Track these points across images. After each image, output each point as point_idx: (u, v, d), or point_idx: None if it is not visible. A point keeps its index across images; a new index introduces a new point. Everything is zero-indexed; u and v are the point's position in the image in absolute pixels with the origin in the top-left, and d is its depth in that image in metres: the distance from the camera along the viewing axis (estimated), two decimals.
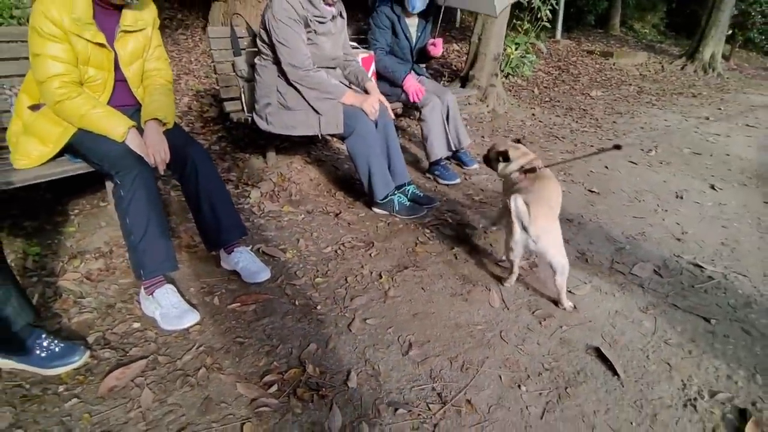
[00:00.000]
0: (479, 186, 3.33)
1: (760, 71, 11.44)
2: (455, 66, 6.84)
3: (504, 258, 2.19)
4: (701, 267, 2.35)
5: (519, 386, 1.57)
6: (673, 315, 1.97)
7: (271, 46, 2.56)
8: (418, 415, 1.44)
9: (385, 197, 2.74)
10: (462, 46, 7.93)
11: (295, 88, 2.61)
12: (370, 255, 2.35)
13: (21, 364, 1.53)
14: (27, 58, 2.00)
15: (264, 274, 2.08)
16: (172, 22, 6.18)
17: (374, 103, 2.65)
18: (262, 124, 2.79)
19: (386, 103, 2.80)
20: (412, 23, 3.45)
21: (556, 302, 1.98)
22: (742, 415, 1.49)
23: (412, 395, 1.52)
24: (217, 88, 3.23)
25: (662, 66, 9.76)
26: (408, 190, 2.82)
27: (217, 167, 2.52)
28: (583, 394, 1.55)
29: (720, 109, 6.56)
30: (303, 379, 1.56)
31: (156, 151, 1.87)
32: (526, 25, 6.10)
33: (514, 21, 6.22)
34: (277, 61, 2.59)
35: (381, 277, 2.16)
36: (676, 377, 1.64)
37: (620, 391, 1.57)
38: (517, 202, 1.80)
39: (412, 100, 3.29)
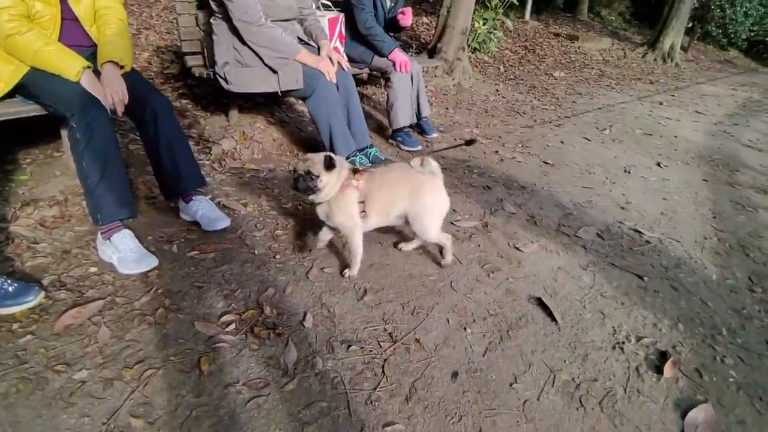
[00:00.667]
0: (440, 154, 3.40)
1: (715, 64, 11.97)
2: (424, 39, 6.84)
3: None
4: (640, 232, 2.52)
5: (465, 329, 1.68)
6: (610, 272, 2.13)
7: (220, 2, 2.50)
8: (370, 351, 1.53)
9: (347, 158, 2.78)
10: (431, 20, 7.91)
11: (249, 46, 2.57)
12: None
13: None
14: None
15: (223, 222, 2.10)
16: None
17: (328, 65, 2.65)
18: (223, 84, 2.74)
19: (338, 57, 2.79)
20: None
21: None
22: (663, 356, 1.65)
23: (364, 335, 1.60)
24: (179, 44, 3.16)
25: (624, 53, 10.05)
26: (369, 153, 2.87)
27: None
28: (522, 336, 1.67)
29: (674, 96, 6.86)
30: (260, 319, 1.62)
31: (114, 91, 1.84)
32: (495, 1, 6.15)
33: None
34: (229, 18, 2.53)
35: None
36: (608, 324, 1.79)
37: (557, 335, 1.70)
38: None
39: (399, 70, 3.30)
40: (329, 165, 1.73)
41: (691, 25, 10.65)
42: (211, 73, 2.85)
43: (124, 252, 1.80)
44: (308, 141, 3.29)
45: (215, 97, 3.46)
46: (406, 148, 3.39)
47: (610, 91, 6.57)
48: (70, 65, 1.82)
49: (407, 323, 1.67)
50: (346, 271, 1.89)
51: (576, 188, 3.03)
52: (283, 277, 1.86)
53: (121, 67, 1.98)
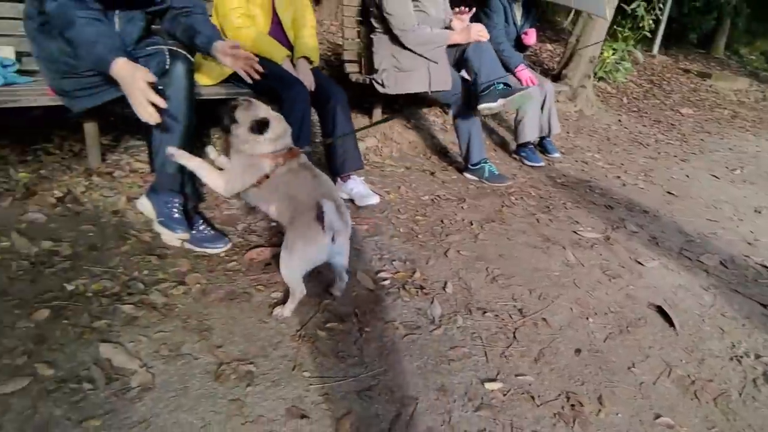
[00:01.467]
0: (562, 172, 3.58)
1: None
2: (547, 65, 6.97)
3: None
4: None
5: (587, 318, 1.88)
6: (732, 297, 2.19)
7: (382, 19, 2.93)
8: (502, 319, 1.79)
9: (477, 163, 3.07)
10: (555, 47, 8.01)
11: (410, 50, 2.96)
12: (462, 207, 2.70)
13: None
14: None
15: (374, 199, 2.51)
16: None
17: (478, 28, 2.94)
18: (379, 88, 3.17)
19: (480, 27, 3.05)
20: (518, 12, 3.73)
21: None
22: None
23: (497, 307, 1.87)
24: (339, 52, 3.68)
25: (764, 95, 9.33)
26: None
27: None
28: (641, 333, 1.83)
29: None
30: (410, 280, 1.95)
31: (307, 81, 2.34)
32: (627, 33, 6.15)
33: (615, 27, 6.27)
34: (388, 30, 2.95)
35: (472, 224, 2.51)
36: (727, 339, 1.88)
37: (675, 338, 1.84)
38: None
39: (525, 84, 3.55)
40: (254, 129, 1.63)
41: None
42: (368, 79, 3.30)
43: (358, 191, 2.46)
44: (439, 147, 3.64)
45: (359, 101, 3.94)
46: (529, 163, 3.60)
47: (744, 133, 6.22)
48: (277, 51, 2.41)
49: (534, 305, 1.91)
50: None
51: (700, 219, 3.05)
52: (425, 253, 2.18)
53: (311, 62, 2.52)
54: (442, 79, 2.99)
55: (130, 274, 1.77)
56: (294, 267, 1.59)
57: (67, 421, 1.21)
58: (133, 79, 1.55)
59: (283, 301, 1.67)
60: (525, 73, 3.56)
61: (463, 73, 3.12)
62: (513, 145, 3.81)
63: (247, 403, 1.31)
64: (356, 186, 2.55)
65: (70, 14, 1.57)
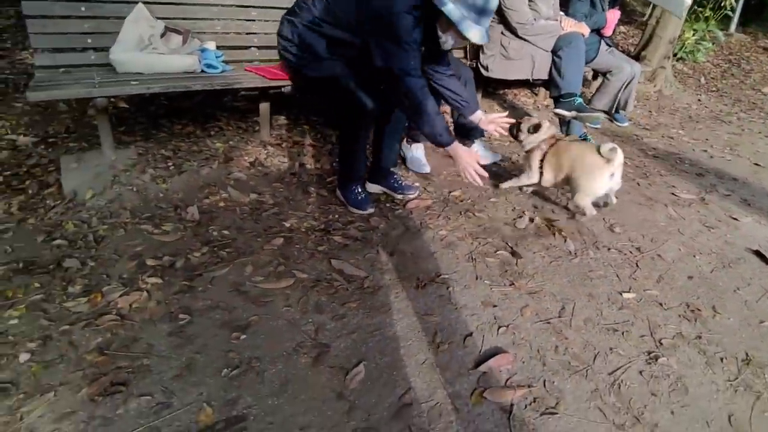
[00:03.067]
0: (651, 145, 3.91)
1: None
2: (621, 47, 7.13)
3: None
4: None
5: (694, 256, 2.29)
6: None
7: (499, 11, 3.36)
8: (625, 254, 2.24)
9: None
10: (628, 29, 8.10)
11: (522, 39, 3.39)
12: None
13: (385, 189, 2.56)
14: None
15: (426, 168, 2.92)
16: None
17: (580, 24, 3.41)
18: (483, 72, 3.62)
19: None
20: None
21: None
22: None
23: (618, 245, 2.31)
24: None
25: None
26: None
27: None
28: (742, 268, 2.23)
29: None
30: (540, 223, 2.42)
31: None
32: (708, 12, 6.24)
33: (696, 7, 6.36)
34: (500, 21, 3.39)
35: None
36: None
37: None
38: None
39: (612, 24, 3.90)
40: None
41: None
42: (474, 63, 3.76)
43: (418, 157, 2.90)
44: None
45: None
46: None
47: None
48: None
49: (648, 245, 2.34)
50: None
51: None
52: (549, 205, 2.64)
53: None
54: (543, 68, 3.41)
55: (327, 217, 2.34)
56: (585, 200, 2.36)
57: (333, 303, 1.78)
58: (470, 158, 2.20)
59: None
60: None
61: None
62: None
63: (451, 300, 1.84)
64: (417, 153, 2.99)
65: (424, 93, 2.06)
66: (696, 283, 2.07)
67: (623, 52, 6.84)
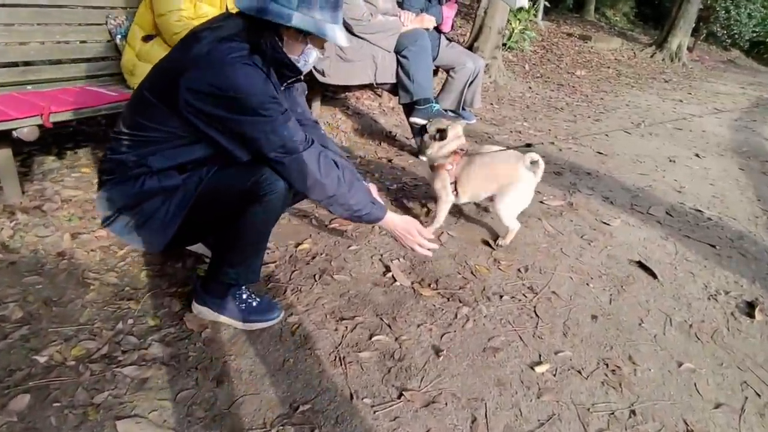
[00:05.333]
0: (504, 144, 3.72)
1: (719, 64, 12.42)
2: (456, 39, 7.16)
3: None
4: (701, 211, 2.86)
5: (587, 284, 2.00)
6: (687, 242, 2.46)
7: None
8: (519, 300, 1.84)
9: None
10: (456, 20, 8.24)
11: (359, 38, 2.87)
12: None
13: (221, 316, 1.58)
14: None
15: None
16: None
17: (429, 18, 3.05)
18: (318, 77, 3.03)
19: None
20: None
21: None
22: (750, 305, 1.98)
23: (509, 288, 1.91)
24: None
25: (634, 53, 10.44)
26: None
27: None
28: (635, 290, 2.00)
29: (690, 93, 7.25)
30: (424, 278, 1.92)
31: None
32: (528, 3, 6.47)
33: None
34: None
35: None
36: (699, 281, 2.12)
37: (661, 289, 2.03)
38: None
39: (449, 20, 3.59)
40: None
41: (695, 25, 11.06)
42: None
43: None
44: (384, 131, 3.60)
45: None
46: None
47: (632, 89, 6.93)
48: None
49: (539, 281, 1.99)
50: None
51: (633, 174, 3.36)
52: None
53: None
54: (388, 71, 2.94)
55: (114, 327, 1.54)
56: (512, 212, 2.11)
57: None
58: (410, 227, 1.67)
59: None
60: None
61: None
62: None
63: None
64: None
65: (326, 164, 1.45)
66: (603, 325, 1.76)
67: (460, 44, 6.88)
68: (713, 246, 2.45)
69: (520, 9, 6.36)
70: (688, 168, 3.67)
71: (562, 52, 8.81)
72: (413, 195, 2.64)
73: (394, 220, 1.65)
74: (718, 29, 12.09)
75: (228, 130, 1.35)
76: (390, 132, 3.63)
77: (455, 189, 2.16)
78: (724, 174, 3.65)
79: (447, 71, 3.84)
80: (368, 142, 3.39)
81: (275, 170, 1.41)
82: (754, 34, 12.94)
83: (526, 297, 1.87)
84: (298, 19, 1.30)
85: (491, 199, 2.17)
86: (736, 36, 12.35)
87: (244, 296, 1.61)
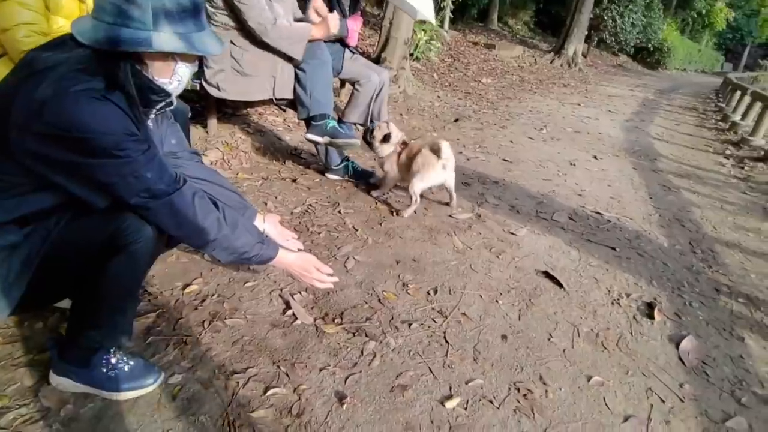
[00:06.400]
0: None
1: (610, 68, 13.53)
2: (362, 49, 7.12)
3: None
4: (600, 214, 2.97)
5: (496, 301, 1.95)
6: (589, 247, 2.52)
7: (228, 11, 2.60)
8: (428, 327, 1.75)
9: (340, 163, 2.97)
10: (364, 30, 8.23)
11: (262, 48, 2.66)
12: (339, 212, 2.57)
13: (86, 387, 1.34)
14: None
15: None
16: None
17: (336, 21, 2.79)
18: (213, 91, 2.81)
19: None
20: (346, 1, 3.66)
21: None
22: (650, 306, 2.04)
23: (418, 314, 1.81)
24: None
25: (535, 59, 11.06)
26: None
27: None
28: (543, 302, 1.98)
29: (586, 97, 7.75)
30: (317, 314, 1.77)
31: None
32: None
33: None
34: (231, 27, 2.63)
35: (356, 229, 2.40)
36: (602, 286, 2.16)
37: (567, 298, 2.03)
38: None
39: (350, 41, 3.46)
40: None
41: (588, 33, 11.96)
42: (197, 84, 2.90)
43: None
44: (290, 148, 3.43)
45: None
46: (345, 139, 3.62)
47: (534, 95, 7.28)
48: None
49: (449, 301, 1.91)
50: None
51: (537, 180, 3.45)
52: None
53: None
54: (288, 86, 2.77)
55: None
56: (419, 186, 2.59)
57: None
58: (304, 264, 1.54)
59: None
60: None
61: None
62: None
63: None
64: None
65: (202, 206, 1.28)
66: (512, 345, 1.71)
67: (363, 54, 6.84)
68: (613, 248, 2.53)
69: (423, 21, 6.45)
70: (587, 171, 3.84)
71: (468, 61, 9.11)
72: (318, 218, 2.48)
73: (288, 258, 1.48)
74: (607, 36, 13.17)
75: (78, 176, 1.13)
76: (295, 149, 3.46)
77: (398, 168, 2.72)
78: (620, 174, 3.86)
79: (352, 84, 3.76)
80: (271, 161, 3.19)
81: (141, 216, 1.20)
82: (638, 41, 14.25)
83: (435, 322, 1.78)
84: (159, 41, 1.10)
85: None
86: (623, 42, 13.53)
87: (113, 360, 1.36)
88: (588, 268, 2.30)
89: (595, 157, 4.24)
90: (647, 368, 1.68)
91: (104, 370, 1.34)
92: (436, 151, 2.55)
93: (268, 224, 1.76)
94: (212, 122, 3.30)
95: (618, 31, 12.70)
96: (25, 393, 1.34)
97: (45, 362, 1.42)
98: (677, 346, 1.82)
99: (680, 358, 1.76)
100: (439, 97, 6.07)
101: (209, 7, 2.68)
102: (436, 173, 2.58)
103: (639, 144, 4.99)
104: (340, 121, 3.72)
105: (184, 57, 1.23)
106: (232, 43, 2.69)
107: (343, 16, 3.59)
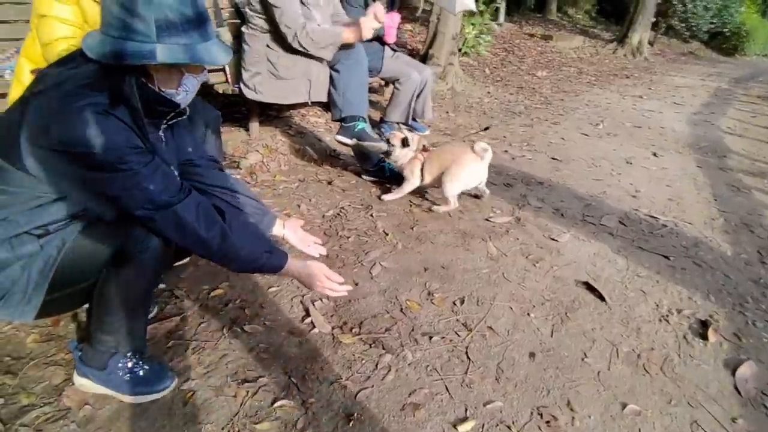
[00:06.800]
0: None
1: (680, 56, 12.55)
2: (410, 46, 7.03)
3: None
4: (656, 218, 2.73)
5: (528, 314, 1.83)
6: (639, 255, 2.31)
7: (264, 13, 2.61)
8: (450, 340, 1.66)
9: (375, 164, 2.92)
10: (413, 27, 8.12)
11: (294, 52, 2.66)
12: (371, 216, 2.52)
13: (99, 386, 1.38)
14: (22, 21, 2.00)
15: None
16: None
17: (369, 23, 2.65)
18: (250, 94, 2.85)
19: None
20: None
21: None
22: (704, 324, 1.84)
23: (441, 326, 1.73)
24: None
25: (596, 50, 10.47)
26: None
27: None
28: (580, 316, 1.83)
29: (651, 89, 7.22)
30: (337, 322, 1.73)
31: None
32: (482, 6, 6.38)
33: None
34: (267, 30, 2.65)
35: (386, 234, 2.34)
36: (650, 300, 1.97)
37: (609, 313, 1.87)
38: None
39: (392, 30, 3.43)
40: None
41: (655, 20, 11.16)
42: (237, 88, 2.95)
43: None
44: (330, 150, 3.42)
45: (231, 112, 3.56)
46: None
47: (592, 88, 6.88)
48: None
49: (476, 313, 1.81)
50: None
51: (588, 181, 3.23)
52: (348, 280, 1.97)
53: None
54: (324, 88, 2.76)
55: None
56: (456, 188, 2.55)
57: None
58: (315, 272, 1.45)
59: None
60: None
61: None
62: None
63: None
64: None
65: (208, 217, 1.26)
66: (540, 364, 1.58)
67: (412, 51, 6.74)
68: (667, 257, 2.31)
69: (472, 13, 6.25)
70: (645, 169, 3.56)
71: (523, 54, 8.76)
72: (349, 221, 2.45)
73: (296, 267, 1.45)
74: (677, 22, 12.23)
75: (85, 189, 1.17)
76: (334, 150, 3.45)
77: (422, 174, 2.63)
78: (682, 173, 3.55)
79: (392, 83, 3.69)
80: (309, 163, 3.19)
81: (147, 227, 1.22)
82: (712, 26, 13.13)
83: (458, 336, 1.69)
84: (164, 53, 1.10)
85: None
86: (695, 28, 12.51)
87: (129, 365, 1.40)
88: (635, 280, 2.11)
89: (654, 155, 3.92)
90: (695, 397, 1.51)
91: (120, 374, 1.38)
92: (475, 151, 2.52)
93: (288, 230, 1.73)
94: (254, 125, 3.35)
95: (689, 16, 11.74)
96: (51, 392, 1.40)
97: (73, 363, 1.47)
98: (734, 372, 1.62)
99: (736, 387, 1.56)
100: (489, 92, 5.87)
101: (248, 11, 2.71)
102: (472, 174, 2.54)
103: (707, 139, 4.57)
104: (382, 121, 3.69)
105: (190, 68, 1.23)
106: (267, 46, 2.72)
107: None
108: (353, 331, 1.69)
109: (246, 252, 1.32)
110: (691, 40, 14.01)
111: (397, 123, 3.65)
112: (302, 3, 2.65)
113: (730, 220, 2.81)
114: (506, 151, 3.74)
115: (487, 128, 3.19)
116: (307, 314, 1.75)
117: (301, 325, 1.71)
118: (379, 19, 2.73)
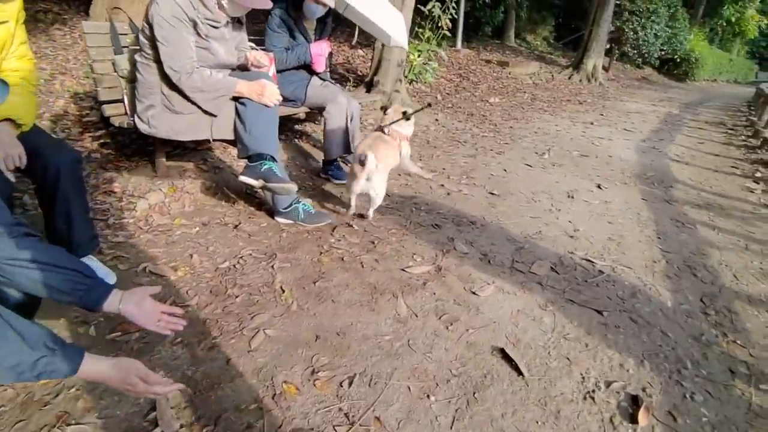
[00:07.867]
0: (386, 192, 3.29)
1: (633, 81, 12.85)
2: (360, 71, 6.83)
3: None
4: (592, 262, 2.50)
5: (428, 396, 1.52)
6: (569, 310, 2.06)
7: (153, 45, 2.32)
8: None
9: (289, 206, 2.61)
10: (366, 52, 7.96)
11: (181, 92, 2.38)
12: (272, 267, 2.20)
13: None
14: None
15: (111, 278, 1.95)
16: (47, 16, 5.51)
17: (271, 92, 2.43)
18: (143, 128, 2.51)
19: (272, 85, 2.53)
20: (310, 27, 3.35)
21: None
22: (635, 401, 1.57)
23: (317, 419, 1.41)
24: (97, 89, 2.89)
25: (552, 75, 10.56)
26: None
27: (87, 178, 2.30)
28: (490, 397, 1.54)
29: (602, 114, 7.21)
30: (193, 416, 1.39)
31: (6, 155, 1.63)
32: (428, 33, 6.25)
33: (416, 29, 6.35)
34: (159, 60, 2.35)
35: (283, 290, 2.03)
36: (575, 371, 1.70)
37: (525, 390, 1.58)
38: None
39: (315, 67, 3.26)
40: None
41: (609, 47, 11.39)
42: (132, 121, 2.62)
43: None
44: (246, 187, 3.09)
45: (139, 145, 3.21)
46: (337, 181, 3.32)
47: (544, 114, 6.80)
48: None
49: (364, 398, 1.50)
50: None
51: (524, 219, 2.99)
52: (220, 356, 1.64)
53: (19, 126, 1.76)
54: (227, 125, 2.46)
55: None
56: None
57: None
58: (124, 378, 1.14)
59: None
60: (317, 49, 3.20)
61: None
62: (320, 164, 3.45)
63: None
64: (95, 267, 1.92)
65: None
66: None
67: (361, 77, 6.53)
68: (600, 312, 2.06)
69: (419, 39, 6.13)
70: (586, 204, 3.36)
71: (479, 80, 8.70)
72: (244, 275, 2.12)
73: (99, 369, 1.11)
74: (629, 49, 12.52)
75: None
76: (251, 188, 3.12)
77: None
78: (625, 207, 3.36)
79: (320, 112, 3.42)
80: (219, 203, 2.86)
81: None
82: (662, 52, 13.52)
83: (335, 431, 1.37)
84: None
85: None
86: (646, 55, 12.84)
87: None
88: (561, 344, 1.84)
89: (599, 186, 3.75)
90: None
91: None
92: (362, 162, 2.54)
93: (126, 305, 1.39)
94: (160, 161, 3.00)
95: (640, 43, 12.02)
96: None
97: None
98: None
99: None
100: (437, 120, 5.68)
101: (141, 37, 2.40)
102: (358, 184, 2.60)
103: (654, 168, 4.45)
104: (326, 164, 3.39)
105: None
106: (161, 77, 2.40)
107: (307, 41, 3.29)
108: (205, 430, 1.35)
109: (8, 361, 0.98)
110: (644, 66, 14.41)
111: (342, 157, 3.39)
112: (202, 36, 2.35)
113: (673, 262, 2.60)
114: (442, 185, 3.49)
115: (428, 105, 3.30)
116: (153, 408, 1.40)
117: (143, 423, 1.36)
118: (259, 64, 2.66)
